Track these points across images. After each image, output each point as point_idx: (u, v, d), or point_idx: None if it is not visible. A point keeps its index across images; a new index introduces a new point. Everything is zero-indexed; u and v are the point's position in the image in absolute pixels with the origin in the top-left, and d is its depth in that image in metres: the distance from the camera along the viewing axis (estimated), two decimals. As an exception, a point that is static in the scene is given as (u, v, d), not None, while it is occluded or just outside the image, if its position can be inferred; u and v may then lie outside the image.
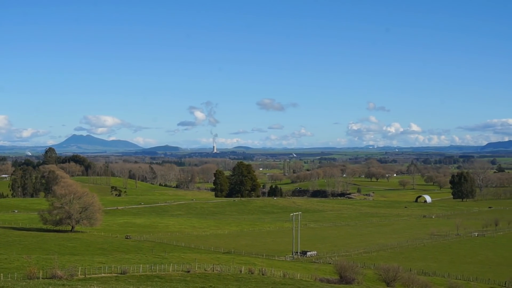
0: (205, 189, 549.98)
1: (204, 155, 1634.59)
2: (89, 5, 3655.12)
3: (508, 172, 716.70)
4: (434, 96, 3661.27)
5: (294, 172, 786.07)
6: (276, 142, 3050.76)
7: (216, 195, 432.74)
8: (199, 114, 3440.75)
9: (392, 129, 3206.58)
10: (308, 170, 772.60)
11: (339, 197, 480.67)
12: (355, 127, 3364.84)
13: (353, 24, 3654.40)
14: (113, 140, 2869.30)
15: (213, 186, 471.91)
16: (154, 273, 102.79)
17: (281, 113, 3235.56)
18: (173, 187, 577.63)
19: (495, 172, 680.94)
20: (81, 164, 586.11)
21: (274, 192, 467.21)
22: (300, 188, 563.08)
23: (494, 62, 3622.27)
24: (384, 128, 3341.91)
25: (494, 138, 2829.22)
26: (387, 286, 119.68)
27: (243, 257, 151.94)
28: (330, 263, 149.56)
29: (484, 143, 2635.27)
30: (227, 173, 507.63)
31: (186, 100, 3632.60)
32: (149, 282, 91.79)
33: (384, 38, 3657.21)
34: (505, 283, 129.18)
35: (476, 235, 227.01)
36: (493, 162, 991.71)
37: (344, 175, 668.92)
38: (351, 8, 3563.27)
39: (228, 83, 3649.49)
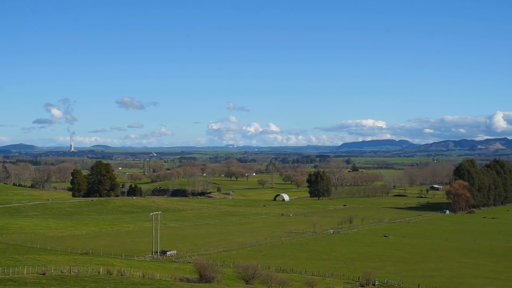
0: (62, 189, 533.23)
1: (61, 154, 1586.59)
2: None
3: (362, 171, 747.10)
4: (292, 97, 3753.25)
5: (154, 171, 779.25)
6: (136, 141, 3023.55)
7: (74, 195, 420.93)
8: (56, 112, 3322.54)
9: (252, 129, 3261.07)
10: (168, 169, 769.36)
11: (199, 196, 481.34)
12: (215, 127, 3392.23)
13: (211, 23, 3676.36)
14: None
15: (71, 186, 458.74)
16: (7, 276, 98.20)
17: (141, 111, 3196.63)
18: (28, 187, 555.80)
19: (349, 171, 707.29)
20: None
21: (133, 191, 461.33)
22: (160, 187, 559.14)
23: (347, 65, 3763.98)
24: (244, 128, 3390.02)
25: (349, 139, 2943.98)
26: (246, 283, 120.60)
27: (101, 258, 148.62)
28: (190, 262, 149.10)
29: (340, 143, 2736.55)
30: (85, 172, 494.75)
31: (42, 97, 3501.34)
32: (1, 286, 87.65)
33: (245, 38, 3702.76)
34: (359, 278, 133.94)
35: (331, 232, 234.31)
36: (347, 162, 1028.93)
37: (204, 174, 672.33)
38: (216, 10, 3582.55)
39: (87, 80, 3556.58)
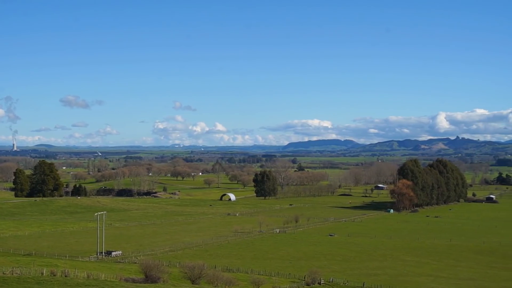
0: (4, 189, 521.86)
1: (3, 153, 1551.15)
2: None
3: (308, 170, 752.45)
4: (238, 97, 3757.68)
5: (99, 171, 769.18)
6: (81, 140, 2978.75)
7: (16, 195, 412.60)
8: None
9: (198, 129, 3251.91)
10: (113, 169, 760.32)
11: (145, 196, 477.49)
12: (161, 126, 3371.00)
13: (152, 21, 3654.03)
14: None
15: (13, 186, 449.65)
16: None
17: (86, 110, 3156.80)
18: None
19: (295, 170, 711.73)
20: None
21: (78, 191, 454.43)
22: (105, 187, 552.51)
23: (292, 65, 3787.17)
24: (190, 127, 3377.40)
25: (295, 138, 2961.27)
26: (193, 283, 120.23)
27: (45, 259, 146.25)
28: (135, 263, 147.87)
29: (286, 143, 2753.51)
30: (28, 172, 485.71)
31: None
32: None
33: (189, 36, 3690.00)
34: (305, 277, 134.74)
35: (277, 232, 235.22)
36: (294, 161, 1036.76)
37: (150, 174, 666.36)
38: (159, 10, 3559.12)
39: (30, 78, 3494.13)
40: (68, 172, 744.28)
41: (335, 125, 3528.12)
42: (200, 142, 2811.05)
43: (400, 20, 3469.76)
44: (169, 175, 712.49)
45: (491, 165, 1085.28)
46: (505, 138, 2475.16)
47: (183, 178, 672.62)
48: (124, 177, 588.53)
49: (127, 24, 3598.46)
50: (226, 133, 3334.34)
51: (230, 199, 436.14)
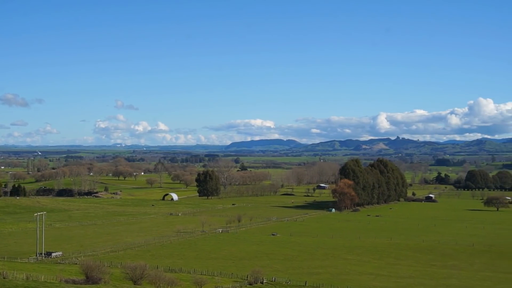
0: None
1: None
2: None
3: (250, 170, 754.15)
4: (181, 96, 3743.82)
5: (38, 170, 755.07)
6: (20, 139, 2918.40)
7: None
8: None
9: (140, 128, 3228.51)
10: (53, 168, 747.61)
11: (86, 196, 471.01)
12: (102, 125, 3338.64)
13: (96, 22, 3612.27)
14: None
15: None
16: None
17: (25, 109, 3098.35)
18: None
19: (238, 170, 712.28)
20: None
21: (17, 191, 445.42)
22: (45, 187, 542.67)
23: (235, 64, 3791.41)
24: (132, 126, 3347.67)
25: (238, 138, 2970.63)
26: (135, 284, 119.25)
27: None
28: (76, 264, 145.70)
29: (228, 142, 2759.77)
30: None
31: None
32: None
33: (131, 35, 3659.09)
34: (247, 277, 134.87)
35: (220, 232, 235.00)
36: (236, 161, 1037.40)
37: (91, 174, 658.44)
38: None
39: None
40: (7, 172, 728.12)
41: (278, 125, 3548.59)
42: (142, 142, 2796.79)
43: (336, 22, 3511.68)
44: (110, 174, 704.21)
45: (430, 165, 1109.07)
46: (443, 138, 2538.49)
47: (125, 178, 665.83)
48: (64, 177, 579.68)
49: (65, 25, 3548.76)
50: (168, 132, 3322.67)
51: (172, 199, 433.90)
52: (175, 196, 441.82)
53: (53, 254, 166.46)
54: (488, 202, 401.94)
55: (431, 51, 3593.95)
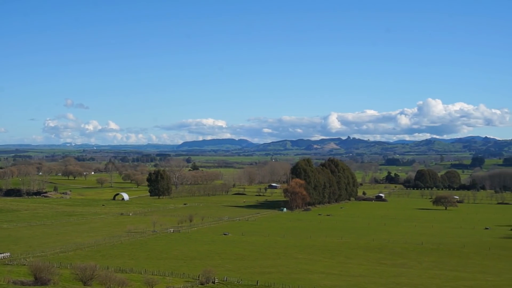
0: None
1: None
2: None
3: (202, 170, 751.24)
4: (132, 95, 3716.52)
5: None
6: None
7: None
8: None
9: (91, 127, 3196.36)
10: (1, 168, 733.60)
11: (34, 196, 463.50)
12: (52, 124, 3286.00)
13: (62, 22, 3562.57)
14: None
15: None
16: None
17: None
18: None
19: (190, 170, 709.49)
20: None
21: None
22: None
23: (186, 64, 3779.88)
24: (82, 125, 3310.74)
25: (189, 137, 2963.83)
26: (84, 285, 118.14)
27: None
28: (24, 265, 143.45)
29: (180, 142, 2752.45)
30: None
31: None
32: None
33: (82, 34, 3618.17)
34: (199, 276, 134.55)
35: (172, 231, 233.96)
36: (188, 161, 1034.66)
37: (40, 173, 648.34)
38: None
39: None
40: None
41: (230, 125, 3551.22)
42: (93, 141, 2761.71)
43: (278, 20, 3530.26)
44: (60, 174, 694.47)
45: (381, 165, 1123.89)
46: (393, 138, 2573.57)
47: (74, 177, 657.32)
48: (12, 176, 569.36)
49: (14, 24, 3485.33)
50: (119, 131, 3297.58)
51: (123, 199, 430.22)
52: (126, 196, 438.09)
53: (1, 255, 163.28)
54: (437, 201, 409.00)
55: (381, 52, 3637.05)
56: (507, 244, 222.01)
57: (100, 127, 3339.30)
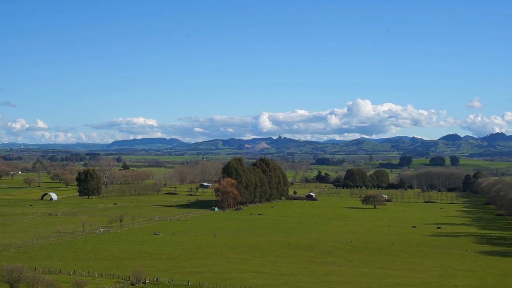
0: None
1: None
2: None
3: (133, 169, 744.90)
4: (60, 93, 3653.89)
5: None
6: None
7: None
8: None
9: (18, 125, 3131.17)
10: None
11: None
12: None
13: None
14: None
15: None
16: None
17: None
18: None
19: (120, 169, 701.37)
20: None
21: None
22: None
23: (117, 62, 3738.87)
24: (9, 124, 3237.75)
25: (120, 137, 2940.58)
26: (11, 287, 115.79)
27: None
28: None
29: (110, 141, 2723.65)
30: None
31: None
32: None
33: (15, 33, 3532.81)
34: (129, 277, 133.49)
35: (101, 232, 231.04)
36: (118, 160, 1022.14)
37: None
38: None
39: None
40: None
41: (161, 124, 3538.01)
42: (20, 140, 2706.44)
43: (203, 19, 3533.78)
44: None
45: (311, 164, 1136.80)
46: (324, 138, 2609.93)
47: (1, 177, 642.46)
48: None
49: None
50: (47, 130, 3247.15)
51: (51, 199, 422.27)
52: (54, 196, 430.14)
53: None
54: (366, 200, 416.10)
55: (311, 51, 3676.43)
56: (434, 242, 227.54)
57: (27, 126, 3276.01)
